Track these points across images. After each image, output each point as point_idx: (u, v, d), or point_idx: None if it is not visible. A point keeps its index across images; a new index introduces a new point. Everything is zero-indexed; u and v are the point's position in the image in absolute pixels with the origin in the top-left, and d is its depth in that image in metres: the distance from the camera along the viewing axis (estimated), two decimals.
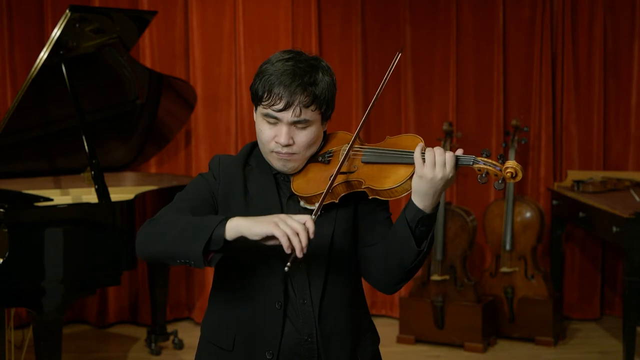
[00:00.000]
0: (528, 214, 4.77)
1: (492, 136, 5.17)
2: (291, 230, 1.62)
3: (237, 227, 1.66)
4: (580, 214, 4.53)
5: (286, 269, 1.63)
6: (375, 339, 2.01)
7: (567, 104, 5.17)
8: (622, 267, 4.76)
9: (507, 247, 4.75)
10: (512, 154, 4.82)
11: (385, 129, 5.22)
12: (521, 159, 5.09)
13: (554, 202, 4.99)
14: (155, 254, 1.76)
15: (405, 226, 1.75)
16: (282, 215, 1.66)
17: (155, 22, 4.97)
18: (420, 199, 1.74)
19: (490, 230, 4.85)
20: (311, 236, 1.64)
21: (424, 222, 1.75)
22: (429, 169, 1.71)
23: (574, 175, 5.03)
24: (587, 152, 5.17)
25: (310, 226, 1.65)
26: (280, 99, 1.79)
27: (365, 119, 1.84)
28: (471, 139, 5.15)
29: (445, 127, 4.89)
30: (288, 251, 1.62)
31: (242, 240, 1.67)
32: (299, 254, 1.62)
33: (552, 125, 5.17)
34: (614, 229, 4.04)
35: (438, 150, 1.73)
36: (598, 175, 4.90)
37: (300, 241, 1.62)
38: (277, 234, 1.62)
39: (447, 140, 4.87)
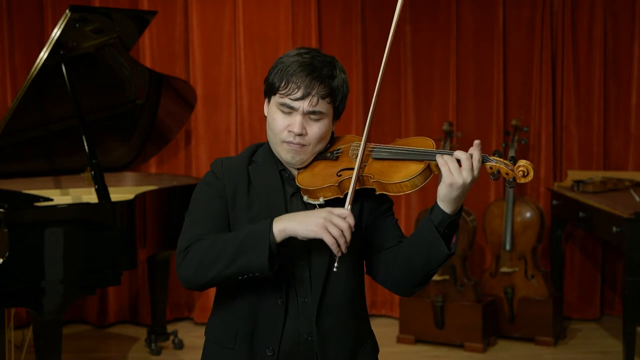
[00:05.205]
0: (528, 214, 4.77)
1: (492, 136, 5.17)
2: (339, 233, 1.71)
3: (285, 230, 1.73)
4: (580, 214, 4.53)
5: (335, 269, 1.74)
6: (375, 349, 2.01)
7: (567, 104, 5.17)
8: (622, 267, 4.75)
9: (507, 247, 4.75)
10: (512, 153, 4.82)
11: (386, 129, 5.22)
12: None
13: (554, 202, 4.99)
14: (212, 279, 1.78)
15: (433, 230, 1.77)
16: (326, 214, 1.72)
17: (155, 22, 4.97)
18: (448, 205, 1.76)
19: (490, 230, 4.85)
20: (352, 229, 1.73)
21: (449, 225, 1.78)
22: (457, 175, 1.72)
23: (574, 175, 5.03)
24: (587, 152, 5.17)
25: (352, 221, 1.73)
26: (299, 88, 1.82)
27: (372, 113, 1.84)
28: (471, 139, 5.08)
29: (445, 127, 4.88)
30: (338, 254, 1.72)
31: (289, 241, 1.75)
32: (344, 252, 1.73)
33: (552, 125, 5.17)
34: (614, 229, 4.04)
35: (460, 154, 1.75)
36: (598, 175, 4.90)
37: (346, 241, 1.72)
38: (327, 240, 1.71)
39: (447, 140, 4.86)
